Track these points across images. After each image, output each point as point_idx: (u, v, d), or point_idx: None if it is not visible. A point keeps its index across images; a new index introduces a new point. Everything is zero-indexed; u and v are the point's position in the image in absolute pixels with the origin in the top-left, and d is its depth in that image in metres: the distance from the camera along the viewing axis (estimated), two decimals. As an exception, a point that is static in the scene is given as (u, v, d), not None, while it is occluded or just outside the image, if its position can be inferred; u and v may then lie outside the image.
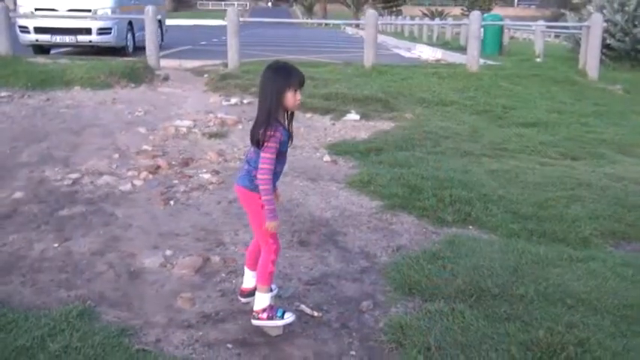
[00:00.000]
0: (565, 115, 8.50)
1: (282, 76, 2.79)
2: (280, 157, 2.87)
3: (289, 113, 2.91)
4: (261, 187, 2.79)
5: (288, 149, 2.97)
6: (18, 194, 4.60)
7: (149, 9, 10.66)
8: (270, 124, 2.76)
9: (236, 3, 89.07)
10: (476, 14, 10.90)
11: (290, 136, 2.89)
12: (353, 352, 2.86)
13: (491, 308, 3.20)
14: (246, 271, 3.16)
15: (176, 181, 5.03)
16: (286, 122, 2.89)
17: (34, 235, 3.95)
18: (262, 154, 2.77)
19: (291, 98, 2.80)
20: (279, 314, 2.97)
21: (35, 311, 3.00)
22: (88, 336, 2.77)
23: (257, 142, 2.80)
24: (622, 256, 4.05)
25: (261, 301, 2.97)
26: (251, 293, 3.20)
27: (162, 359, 2.64)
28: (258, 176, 2.78)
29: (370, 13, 10.90)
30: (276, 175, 2.91)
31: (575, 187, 5.24)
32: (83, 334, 2.78)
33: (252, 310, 2.99)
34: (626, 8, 14.82)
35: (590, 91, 10.15)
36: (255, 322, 2.97)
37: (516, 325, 3.03)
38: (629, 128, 8.12)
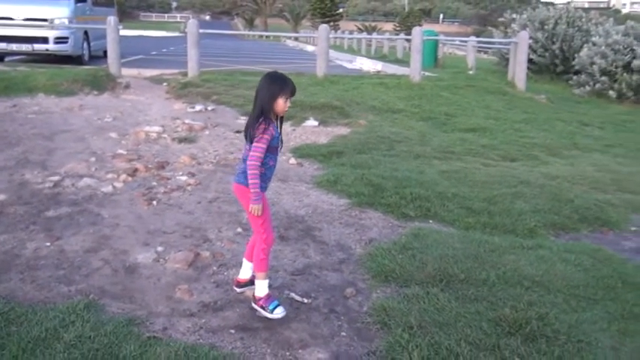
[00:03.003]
0: (500, 121, 8.94)
1: (277, 83, 2.96)
2: (273, 151, 3.02)
3: (279, 118, 3.06)
4: (248, 171, 2.91)
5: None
6: (1, 196, 4.48)
7: (111, 19, 10.46)
8: (264, 120, 2.91)
9: (179, 16, 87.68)
10: (418, 30, 11.27)
11: (280, 136, 3.04)
12: (344, 333, 3.00)
13: (461, 291, 3.41)
14: (244, 262, 3.25)
15: (155, 183, 5.02)
16: (276, 124, 3.04)
17: (25, 234, 3.87)
18: (255, 144, 2.91)
19: (282, 104, 2.97)
20: (271, 307, 3.06)
21: (41, 305, 2.98)
22: (99, 326, 2.79)
23: (251, 138, 2.93)
24: (563, 244, 4.36)
25: (260, 287, 3.08)
26: (246, 284, 3.30)
27: (173, 345, 2.69)
28: (248, 162, 2.91)
29: (322, 27, 11.09)
30: (270, 169, 3.04)
31: (517, 185, 5.56)
32: (94, 325, 2.80)
33: (253, 295, 3.10)
34: (546, 27, 15.68)
35: (519, 101, 10.69)
36: (253, 305, 3.10)
37: (484, 305, 3.26)
38: (555, 133, 8.63)
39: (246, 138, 3.00)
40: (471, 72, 15.06)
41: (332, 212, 4.66)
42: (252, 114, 2.97)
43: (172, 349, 2.67)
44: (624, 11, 79.36)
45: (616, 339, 3.01)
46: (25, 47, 12.24)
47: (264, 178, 2.99)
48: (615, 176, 6.30)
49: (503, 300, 3.30)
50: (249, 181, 2.93)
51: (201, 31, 10.63)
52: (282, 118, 3.09)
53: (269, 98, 2.95)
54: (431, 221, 4.63)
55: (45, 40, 12.25)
